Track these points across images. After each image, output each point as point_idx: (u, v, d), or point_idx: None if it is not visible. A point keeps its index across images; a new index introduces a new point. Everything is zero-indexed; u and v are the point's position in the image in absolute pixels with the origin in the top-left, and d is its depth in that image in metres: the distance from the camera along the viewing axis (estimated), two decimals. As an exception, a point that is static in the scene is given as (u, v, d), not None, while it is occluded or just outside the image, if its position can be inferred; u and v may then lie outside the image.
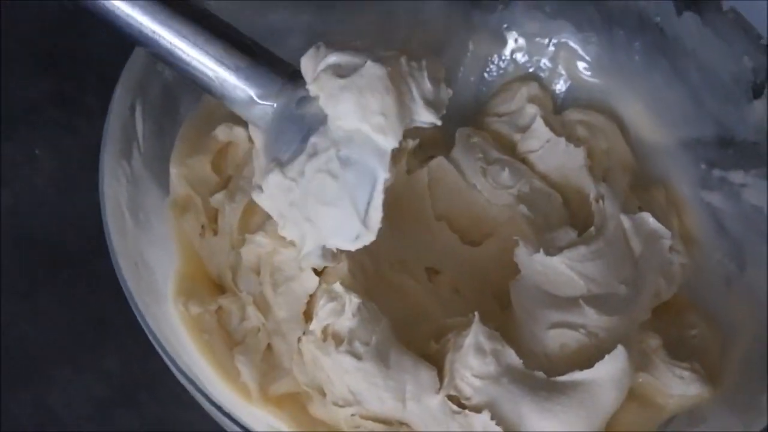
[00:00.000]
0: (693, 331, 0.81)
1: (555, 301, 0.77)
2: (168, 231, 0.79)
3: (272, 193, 0.70)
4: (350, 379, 0.72)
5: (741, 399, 0.74)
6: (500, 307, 0.83)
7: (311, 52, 0.69)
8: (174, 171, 0.81)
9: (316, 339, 0.73)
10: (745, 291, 0.81)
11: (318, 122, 0.68)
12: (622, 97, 0.92)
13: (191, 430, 0.83)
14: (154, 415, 0.86)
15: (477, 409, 0.71)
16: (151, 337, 0.65)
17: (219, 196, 0.81)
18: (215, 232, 0.81)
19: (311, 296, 0.76)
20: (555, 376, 0.73)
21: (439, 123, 0.67)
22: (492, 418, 0.70)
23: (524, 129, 0.91)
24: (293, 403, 0.75)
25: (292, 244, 0.74)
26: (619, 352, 0.73)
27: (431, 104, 0.67)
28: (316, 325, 0.73)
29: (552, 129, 0.89)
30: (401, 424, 0.73)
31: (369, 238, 0.68)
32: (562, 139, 0.87)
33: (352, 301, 0.73)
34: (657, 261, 0.82)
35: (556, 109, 0.94)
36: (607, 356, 0.73)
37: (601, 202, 0.83)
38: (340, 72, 0.67)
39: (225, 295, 0.78)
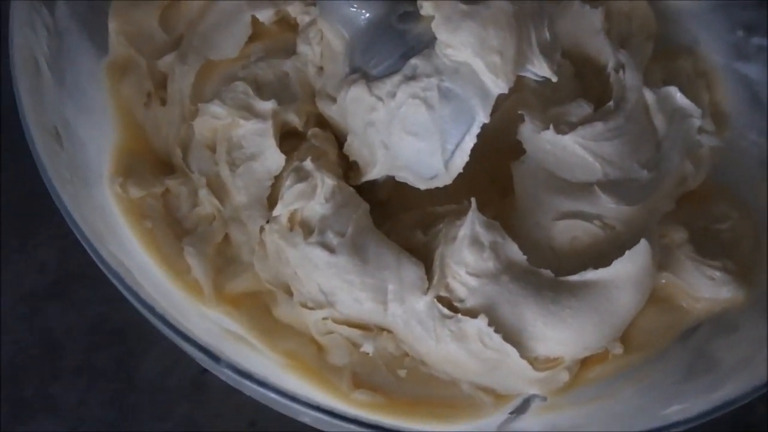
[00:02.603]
0: (724, 223, 0.70)
1: (565, 187, 0.65)
2: (105, 98, 0.66)
3: (348, 106, 0.62)
4: (321, 277, 0.60)
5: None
6: (499, 194, 0.70)
7: None
8: (113, 26, 0.68)
9: (281, 227, 0.61)
10: (784, 174, 0.69)
11: (422, 44, 0.60)
12: (645, -52, 0.78)
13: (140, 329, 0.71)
14: (94, 312, 0.74)
15: (472, 313, 0.60)
16: (66, 218, 0.52)
17: (168, 58, 0.69)
18: (163, 102, 0.68)
19: (277, 178, 0.64)
20: (564, 274, 0.62)
21: (554, 78, 0.60)
22: (489, 324, 0.59)
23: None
24: (254, 304, 0.64)
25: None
26: (642, 247, 0.62)
27: (547, 55, 0.60)
28: (280, 210, 0.61)
29: (565, -14, 0.75)
30: (381, 329, 0.62)
31: (445, 180, 0.61)
32: (577, -1, 0.74)
33: (326, 182, 0.61)
34: (684, 142, 0.70)
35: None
36: (627, 252, 0.61)
37: (621, 72, 0.70)
38: None
39: (173, 175, 0.66)
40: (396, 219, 0.67)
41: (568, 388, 0.63)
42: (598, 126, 0.66)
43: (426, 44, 0.61)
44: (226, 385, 0.58)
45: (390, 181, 0.65)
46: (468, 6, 0.58)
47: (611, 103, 0.68)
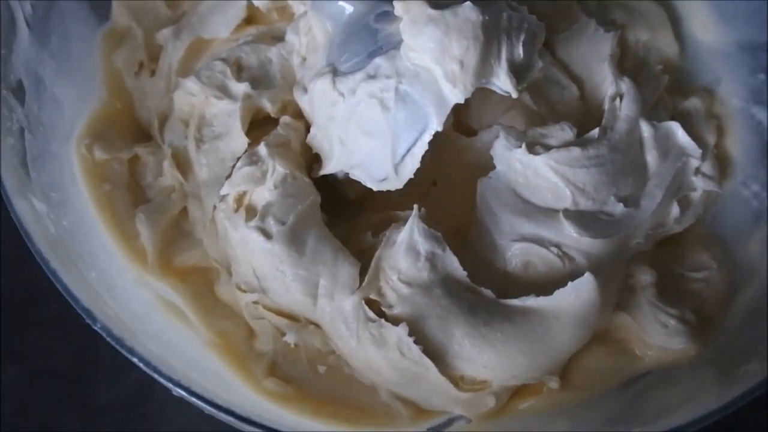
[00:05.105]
0: (699, 273, 0.66)
1: (529, 210, 0.63)
2: (95, 63, 0.68)
3: (315, 98, 0.63)
4: (256, 261, 0.61)
5: (723, 362, 0.59)
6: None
7: None
8: (117, -3, 0.70)
9: (228, 207, 0.62)
10: (772, 234, 0.65)
11: (390, 44, 0.60)
12: (680, -21, 0.75)
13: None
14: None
15: (397, 321, 0.59)
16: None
17: (166, 32, 0.71)
18: (153, 73, 0.70)
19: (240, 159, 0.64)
20: (507, 297, 0.60)
21: (515, 95, 0.58)
22: (410, 334, 0.58)
23: (553, 5, 0.75)
24: (199, 280, 0.65)
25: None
26: (585, 281, 0.59)
27: (515, 71, 0.58)
28: (227, 190, 0.62)
29: (583, 7, 0.73)
30: (309, 322, 0.62)
31: (395, 185, 0.60)
32: (593, 21, 0.71)
33: (277, 169, 0.62)
34: (676, 183, 0.66)
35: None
36: (570, 284, 0.59)
37: (618, 101, 0.67)
38: (435, 0, 0.58)
39: (146, 144, 0.68)
40: (360, 219, 0.67)
41: (496, 415, 0.61)
42: (575, 151, 0.63)
43: (394, 45, 0.60)
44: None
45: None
46: (435, 11, 0.58)
47: (596, 130, 0.65)
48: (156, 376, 0.50)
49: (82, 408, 0.74)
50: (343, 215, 0.67)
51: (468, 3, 0.57)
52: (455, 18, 0.57)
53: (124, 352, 0.51)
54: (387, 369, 0.59)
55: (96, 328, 0.51)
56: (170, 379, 0.50)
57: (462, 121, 0.71)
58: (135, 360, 0.51)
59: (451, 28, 0.57)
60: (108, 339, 0.51)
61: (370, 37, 0.61)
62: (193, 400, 0.51)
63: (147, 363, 0.51)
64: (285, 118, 0.66)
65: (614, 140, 0.65)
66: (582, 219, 0.62)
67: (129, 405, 0.74)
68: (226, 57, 0.67)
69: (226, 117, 0.65)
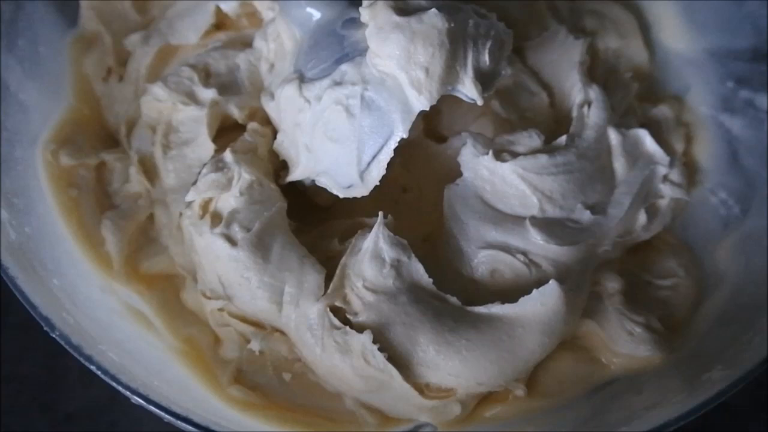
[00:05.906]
0: (669, 280, 0.66)
1: (496, 217, 0.63)
2: (63, 68, 0.68)
3: (281, 104, 0.63)
4: (221, 268, 0.61)
5: (689, 369, 0.59)
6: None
7: None
8: (85, 2, 0.70)
9: (193, 214, 0.62)
10: (740, 242, 0.65)
11: (356, 51, 0.60)
12: (651, -13, 0.75)
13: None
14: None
15: (362, 328, 0.59)
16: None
17: (135, 38, 0.70)
18: (122, 78, 0.70)
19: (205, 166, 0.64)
20: (473, 305, 0.60)
21: (480, 102, 0.58)
22: (375, 342, 0.58)
23: (523, 11, 0.75)
24: (165, 286, 0.65)
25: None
26: (551, 288, 0.59)
27: (481, 79, 0.58)
28: (192, 196, 0.62)
29: (555, 14, 0.73)
30: (275, 330, 0.61)
31: (361, 192, 0.60)
32: (563, 28, 0.71)
33: (243, 176, 0.61)
34: (644, 190, 0.66)
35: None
36: (535, 291, 0.59)
37: (586, 108, 0.67)
38: (401, 7, 0.58)
39: (113, 150, 0.67)
40: (328, 225, 0.67)
41: (462, 423, 0.61)
42: (542, 159, 0.63)
43: (360, 52, 0.60)
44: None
45: None
46: (401, 18, 0.57)
47: (564, 137, 0.65)
48: (114, 384, 0.50)
49: (52, 413, 0.73)
50: (313, 221, 0.67)
51: (434, 10, 0.57)
52: (421, 25, 0.57)
53: (82, 360, 0.50)
54: (352, 377, 0.59)
55: (54, 336, 0.51)
56: (128, 388, 0.50)
57: (433, 128, 0.71)
58: (93, 368, 0.50)
59: (417, 35, 0.57)
60: (66, 347, 0.50)
61: (337, 43, 0.61)
62: (151, 408, 0.50)
63: (105, 371, 0.50)
64: (252, 125, 0.66)
65: (582, 147, 0.65)
66: (549, 226, 0.62)
67: (99, 411, 0.73)
68: (194, 63, 0.67)
69: (193, 123, 0.65)
